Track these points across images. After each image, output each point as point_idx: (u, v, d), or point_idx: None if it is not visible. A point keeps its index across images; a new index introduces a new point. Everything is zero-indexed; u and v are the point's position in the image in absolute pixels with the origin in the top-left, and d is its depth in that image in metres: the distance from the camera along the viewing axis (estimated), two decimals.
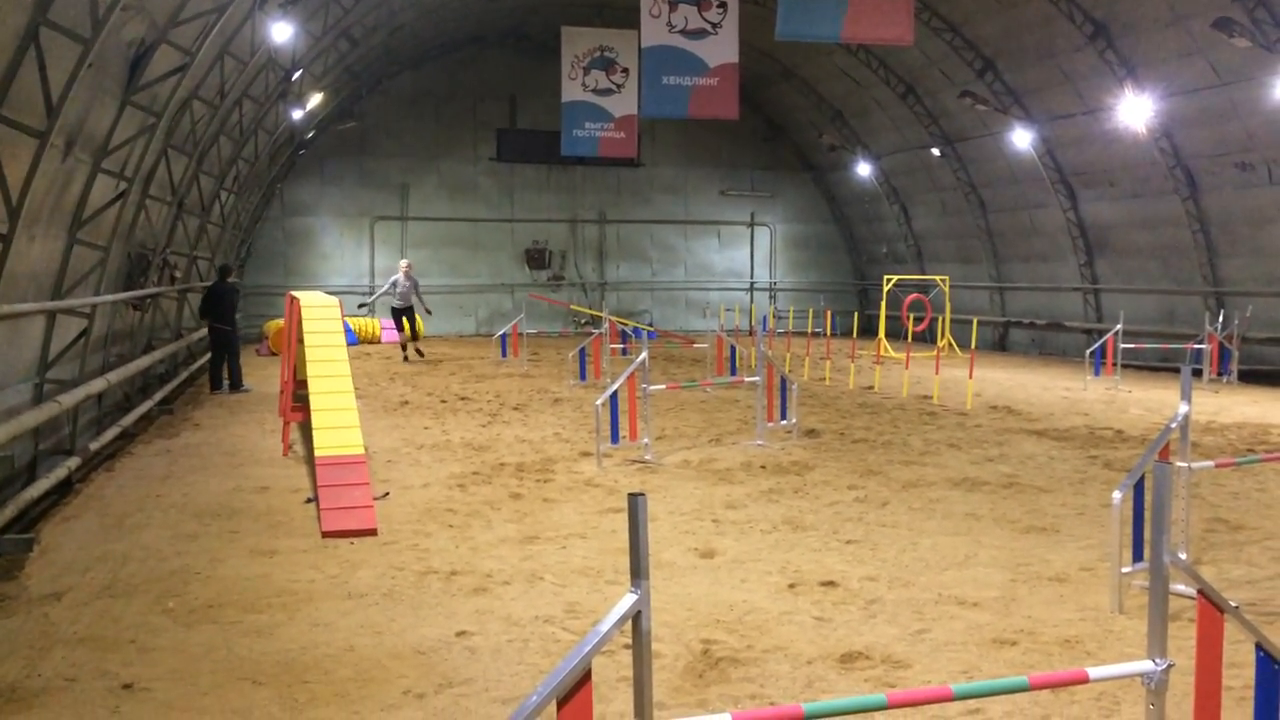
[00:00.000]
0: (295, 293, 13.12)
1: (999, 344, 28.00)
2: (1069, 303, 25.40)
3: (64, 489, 9.70)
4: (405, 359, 22.78)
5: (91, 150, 10.19)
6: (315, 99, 23.93)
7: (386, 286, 22.81)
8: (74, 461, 9.88)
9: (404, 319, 22.61)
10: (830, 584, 6.95)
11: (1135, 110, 20.38)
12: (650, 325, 29.78)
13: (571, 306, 32.20)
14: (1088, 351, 20.09)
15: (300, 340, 11.74)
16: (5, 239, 7.59)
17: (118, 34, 9.57)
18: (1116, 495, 6.25)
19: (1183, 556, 6.95)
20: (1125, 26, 20.03)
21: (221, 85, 15.31)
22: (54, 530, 8.43)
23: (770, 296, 35.08)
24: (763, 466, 11.01)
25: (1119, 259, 23.62)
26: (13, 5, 6.95)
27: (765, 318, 29.84)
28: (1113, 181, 22.74)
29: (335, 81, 25.64)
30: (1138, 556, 6.46)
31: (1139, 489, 6.39)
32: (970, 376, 16.39)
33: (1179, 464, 6.88)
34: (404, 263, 23.50)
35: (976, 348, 17.90)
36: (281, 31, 15.90)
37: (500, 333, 23.97)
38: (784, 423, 12.87)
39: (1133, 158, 21.53)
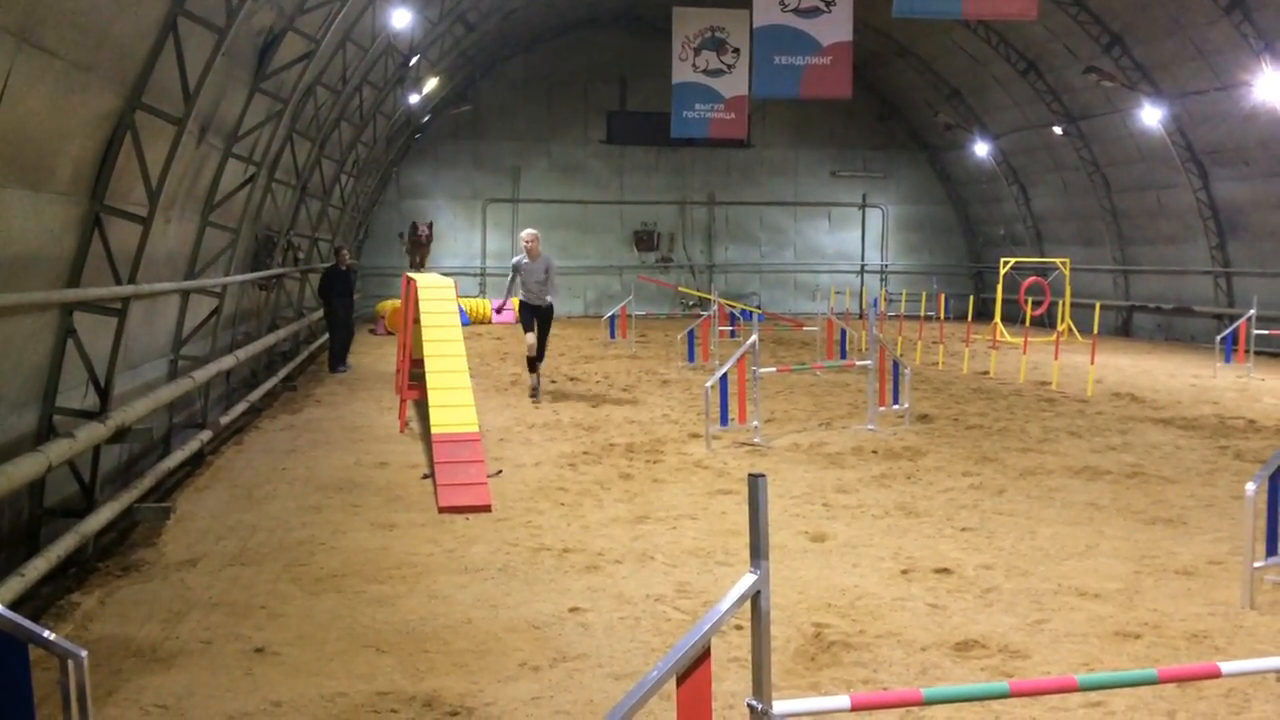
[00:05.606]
0: (411, 274, 13.44)
1: (1122, 329, 27.03)
2: (1198, 286, 24.35)
3: (196, 461, 10.16)
4: (533, 392, 14.47)
5: (223, 136, 10.60)
6: (431, 84, 24.41)
7: (512, 282, 14.34)
8: (206, 435, 10.34)
9: (535, 320, 14.22)
10: (945, 571, 6.85)
11: (1274, 86, 19.37)
12: (758, 308, 29.58)
13: (679, 288, 32.22)
14: (1218, 337, 19.24)
15: (417, 320, 12.04)
16: (145, 222, 7.96)
17: (248, 23, 9.92)
18: (1250, 486, 6.02)
19: None
20: None
21: (343, 71, 15.73)
22: (188, 500, 8.85)
23: (881, 279, 34.49)
24: (874, 451, 10.88)
25: (1253, 241, 22.54)
26: None
27: (876, 300, 29.39)
28: (1248, 160, 21.68)
29: (450, 66, 26.10)
30: (1271, 551, 6.21)
31: (1275, 481, 6.13)
32: (1092, 362, 15.88)
33: None
34: (528, 234, 14.36)
35: (1098, 333, 17.26)
36: (400, 18, 16.28)
37: (609, 314, 24.12)
38: (896, 407, 12.67)
39: (1270, 135, 20.46)
